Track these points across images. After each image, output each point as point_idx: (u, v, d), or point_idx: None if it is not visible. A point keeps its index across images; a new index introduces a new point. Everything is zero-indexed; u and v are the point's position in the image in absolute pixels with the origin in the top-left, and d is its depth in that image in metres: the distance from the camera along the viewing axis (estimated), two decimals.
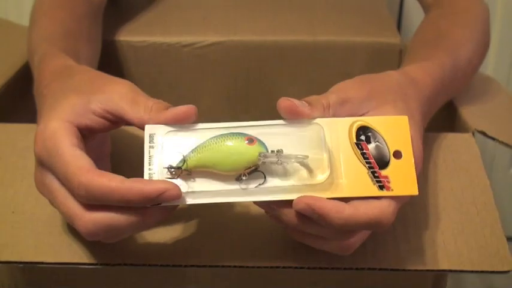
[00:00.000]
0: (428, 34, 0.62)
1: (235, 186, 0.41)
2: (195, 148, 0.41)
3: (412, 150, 0.42)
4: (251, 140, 0.41)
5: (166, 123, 0.41)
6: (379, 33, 0.74)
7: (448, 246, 0.46)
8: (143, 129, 0.42)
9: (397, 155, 0.42)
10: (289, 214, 0.41)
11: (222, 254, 0.45)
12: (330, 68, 0.73)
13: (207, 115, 0.75)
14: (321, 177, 0.41)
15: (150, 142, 0.41)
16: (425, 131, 0.50)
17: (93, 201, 0.39)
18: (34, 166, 0.43)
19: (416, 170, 0.42)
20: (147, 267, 0.45)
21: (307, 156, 0.41)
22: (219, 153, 0.40)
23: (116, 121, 0.43)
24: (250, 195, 0.41)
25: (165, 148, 0.41)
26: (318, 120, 0.42)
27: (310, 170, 0.41)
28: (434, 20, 0.65)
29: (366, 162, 0.42)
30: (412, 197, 0.42)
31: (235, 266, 0.45)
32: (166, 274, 0.51)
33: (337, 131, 0.42)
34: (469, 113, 0.58)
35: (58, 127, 0.41)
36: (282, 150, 0.41)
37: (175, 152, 0.41)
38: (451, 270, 0.45)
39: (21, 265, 0.45)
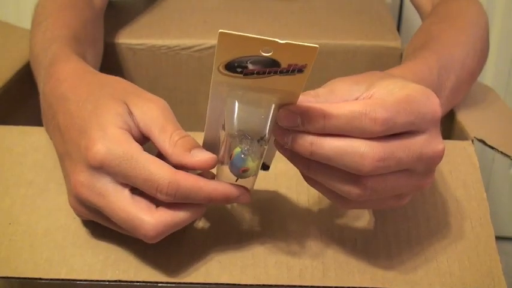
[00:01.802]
0: (420, 40, 0.61)
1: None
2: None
3: (262, 38, 0.37)
4: (245, 170, 0.41)
5: (186, 167, 0.42)
6: (380, 36, 0.73)
7: (440, 264, 0.46)
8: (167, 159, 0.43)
9: (266, 50, 0.38)
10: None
11: (216, 271, 0.45)
12: (330, 72, 0.73)
13: (205, 118, 0.75)
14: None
15: None
16: None
17: (179, 200, 0.41)
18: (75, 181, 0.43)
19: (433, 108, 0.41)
20: (142, 284, 0.45)
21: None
22: None
23: (147, 138, 0.44)
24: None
25: None
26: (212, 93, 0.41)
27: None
28: (426, 27, 0.64)
29: (267, 75, 0.39)
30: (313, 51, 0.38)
31: (228, 284, 0.45)
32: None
33: (224, 85, 0.40)
34: (467, 120, 0.58)
35: (119, 134, 0.42)
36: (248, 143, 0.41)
37: None
38: None
39: (17, 280, 0.45)
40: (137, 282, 0.45)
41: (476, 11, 0.65)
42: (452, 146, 0.54)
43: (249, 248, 0.46)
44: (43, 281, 0.45)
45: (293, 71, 0.39)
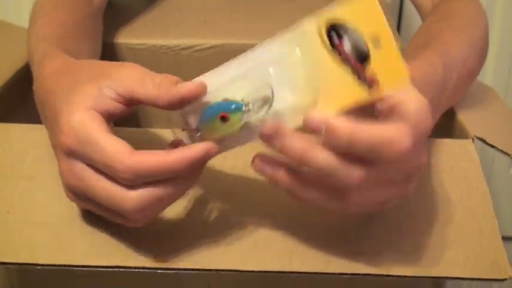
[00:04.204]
0: (421, 39, 0.61)
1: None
2: (200, 129, 0.42)
3: (390, 33, 0.38)
4: (224, 118, 0.40)
5: (176, 102, 0.41)
6: None
7: (444, 253, 0.46)
8: (155, 106, 0.42)
9: (376, 42, 0.38)
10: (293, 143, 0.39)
11: (217, 258, 0.45)
12: None
13: None
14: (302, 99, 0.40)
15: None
16: None
17: (141, 181, 0.40)
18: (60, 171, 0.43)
19: (420, 129, 0.40)
20: (141, 270, 0.45)
21: (271, 96, 0.40)
22: (212, 132, 0.41)
23: (129, 104, 0.44)
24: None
25: None
26: (289, 38, 0.40)
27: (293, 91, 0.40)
28: (428, 26, 0.65)
29: (347, 65, 0.38)
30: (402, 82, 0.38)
31: (229, 270, 0.45)
32: (162, 278, 0.51)
33: (309, 42, 0.39)
34: (467, 120, 0.58)
35: (85, 117, 0.42)
36: (249, 104, 0.40)
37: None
38: (447, 277, 0.45)
39: (14, 266, 0.45)
40: (135, 268, 0.45)
41: (476, 10, 0.65)
42: (452, 144, 0.54)
43: (252, 236, 0.46)
44: (39, 266, 0.45)
45: (364, 81, 0.38)
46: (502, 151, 0.53)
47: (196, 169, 0.42)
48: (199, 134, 0.42)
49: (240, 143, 0.43)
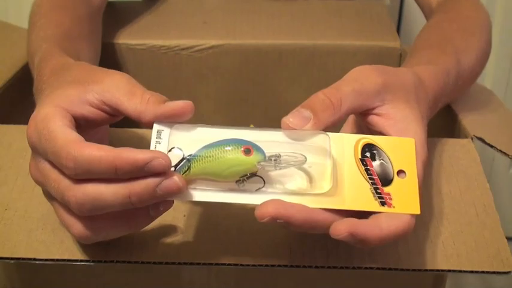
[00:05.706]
0: (433, 37, 0.62)
1: (235, 187, 0.41)
2: (196, 156, 0.41)
3: (416, 172, 0.42)
4: (248, 150, 0.40)
5: (162, 117, 0.41)
6: (379, 37, 0.74)
7: (446, 246, 0.46)
8: (139, 121, 0.42)
9: (401, 174, 0.42)
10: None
11: (217, 252, 0.45)
12: (329, 72, 0.73)
13: (205, 118, 0.75)
14: (324, 186, 0.41)
15: (157, 138, 0.42)
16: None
17: (82, 173, 0.39)
18: (29, 166, 0.43)
19: (421, 175, 0.43)
20: (139, 264, 0.45)
21: (305, 159, 0.41)
22: (217, 164, 0.40)
23: (113, 113, 0.43)
24: (251, 199, 0.41)
25: (170, 145, 0.41)
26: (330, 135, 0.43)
27: (311, 177, 0.42)
28: (439, 24, 0.64)
29: (369, 178, 0.42)
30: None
31: (229, 264, 0.44)
32: (161, 273, 0.51)
33: (343, 145, 0.42)
34: (468, 120, 0.58)
35: (50, 111, 0.41)
36: (280, 155, 0.41)
37: (179, 151, 0.41)
38: (449, 270, 0.45)
39: (12, 261, 0.45)
40: (134, 262, 0.45)
41: (483, 12, 0.65)
42: (452, 143, 0.54)
43: (252, 230, 0.46)
44: (38, 261, 0.45)
45: (379, 198, 0.42)
46: (501, 151, 0.53)
47: (143, 191, 0.39)
48: (189, 163, 0.41)
49: (212, 198, 0.41)
